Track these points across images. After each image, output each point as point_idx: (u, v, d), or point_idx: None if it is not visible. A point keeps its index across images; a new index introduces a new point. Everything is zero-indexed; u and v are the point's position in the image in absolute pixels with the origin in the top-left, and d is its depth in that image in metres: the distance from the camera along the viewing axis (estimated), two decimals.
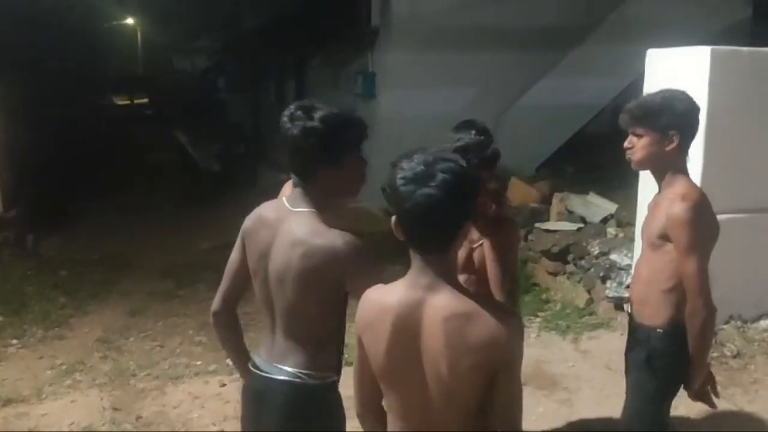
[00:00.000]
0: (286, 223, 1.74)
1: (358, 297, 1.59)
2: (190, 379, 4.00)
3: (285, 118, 1.73)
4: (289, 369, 1.76)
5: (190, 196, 9.33)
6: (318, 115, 1.70)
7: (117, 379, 3.99)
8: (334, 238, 1.68)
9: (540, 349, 4.29)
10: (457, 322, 1.37)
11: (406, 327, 1.41)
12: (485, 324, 1.37)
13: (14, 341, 4.59)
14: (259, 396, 1.82)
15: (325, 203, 1.76)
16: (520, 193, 6.79)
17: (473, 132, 2.70)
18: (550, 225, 5.69)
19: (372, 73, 8.06)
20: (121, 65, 29.04)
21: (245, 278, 1.88)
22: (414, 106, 7.37)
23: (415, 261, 1.42)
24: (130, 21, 28.86)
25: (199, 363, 4.20)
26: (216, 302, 1.94)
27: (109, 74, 25.31)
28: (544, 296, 5.25)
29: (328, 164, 1.72)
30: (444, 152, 1.43)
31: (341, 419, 1.84)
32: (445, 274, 1.42)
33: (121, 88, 28.17)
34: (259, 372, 1.83)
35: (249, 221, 1.86)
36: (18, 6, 8.11)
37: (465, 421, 1.45)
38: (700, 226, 2.04)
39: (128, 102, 28.11)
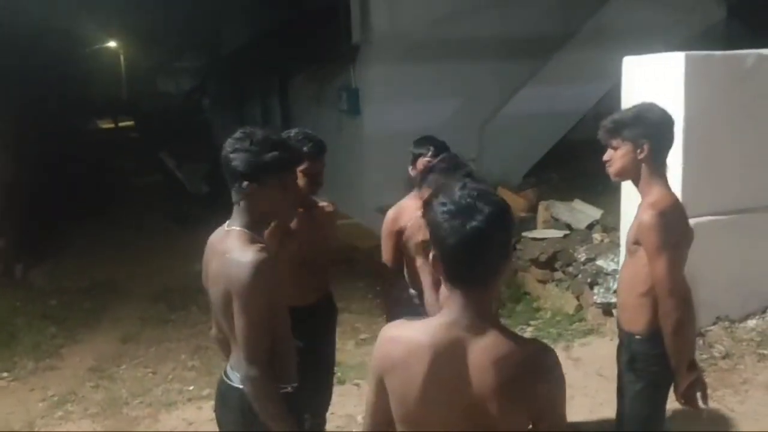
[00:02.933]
0: (220, 243, 1.89)
1: (238, 313, 1.74)
2: (183, 405, 3.98)
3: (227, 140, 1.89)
4: (238, 376, 1.91)
5: (179, 219, 9.29)
6: (249, 135, 1.86)
7: (109, 409, 3.97)
8: (242, 253, 1.79)
9: None
10: (505, 364, 1.32)
11: (448, 368, 1.33)
12: (532, 363, 1.35)
13: (5, 374, 4.55)
14: (219, 398, 2.03)
15: (254, 222, 1.88)
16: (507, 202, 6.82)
17: (432, 148, 2.76)
18: (537, 233, 5.73)
19: (355, 89, 8.10)
20: (105, 89, 28.95)
21: None
22: (398, 120, 7.41)
23: (455, 299, 1.36)
24: (112, 44, 28.85)
25: (192, 388, 4.18)
26: (213, 327, 2.10)
27: (93, 98, 25.28)
28: (534, 305, 5.28)
29: (250, 182, 1.84)
30: (481, 185, 1.38)
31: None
32: (487, 312, 1.37)
33: (106, 111, 28.10)
34: (223, 376, 2.00)
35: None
36: None
37: None
38: (667, 230, 2.09)
39: (113, 126, 28.02)
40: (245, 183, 1.84)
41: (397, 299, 2.77)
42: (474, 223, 1.28)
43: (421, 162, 2.72)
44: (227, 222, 1.93)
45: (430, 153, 2.71)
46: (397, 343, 1.39)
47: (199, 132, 17.88)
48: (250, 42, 13.29)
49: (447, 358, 1.33)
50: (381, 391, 1.42)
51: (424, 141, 2.76)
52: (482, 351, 1.33)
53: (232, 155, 1.85)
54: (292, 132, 2.71)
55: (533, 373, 1.34)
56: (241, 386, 1.90)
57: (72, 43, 15.60)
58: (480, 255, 1.31)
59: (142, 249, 7.90)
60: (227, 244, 1.84)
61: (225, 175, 1.89)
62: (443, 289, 2.14)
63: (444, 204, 1.32)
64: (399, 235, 2.73)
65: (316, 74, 9.79)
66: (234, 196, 1.89)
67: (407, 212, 2.71)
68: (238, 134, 1.88)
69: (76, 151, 14.47)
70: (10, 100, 8.43)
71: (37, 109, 10.58)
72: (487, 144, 7.51)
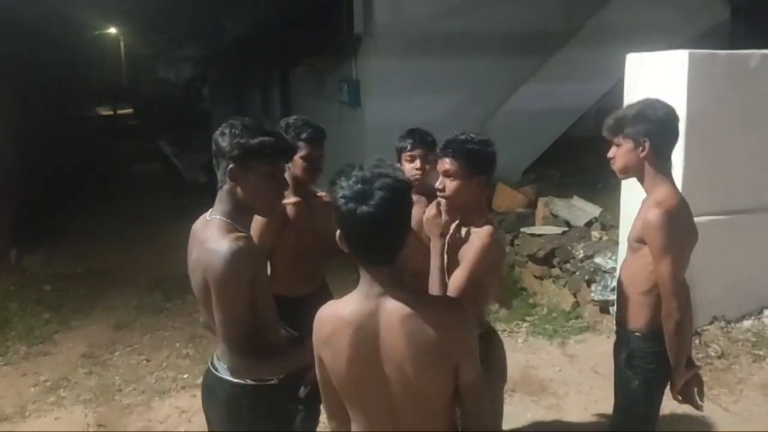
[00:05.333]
0: (201, 231, 1.83)
1: (215, 305, 1.70)
2: (177, 392, 3.96)
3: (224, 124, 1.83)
4: (224, 367, 1.87)
5: (177, 208, 9.26)
6: (241, 120, 1.81)
7: (102, 395, 3.95)
8: (217, 243, 1.73)
9: (528, 354, 4.30)
10: (413, 321, 1.41)
11: (365, 337, 1.43)
12: (439, 317, 1.43)
13: None
14: (205, 388, 2.02)
15: (235, 211, 1.81)
16: (506, 198, 6.81)
17: (410, 141, 2.73)
18: (536, 229, 5.72)
19: (356, 81, 8.06)
20: (105, 76, 28.84)
21: None
22: (399, 113, 7.35)
23: (364, 273, 1.45)
24: (112, 30, 28.70)
25: (186, 376, 4.16)
26: (202, 314, 2.01)
27: (92, 85, 25.17)
28: (531, 300, 5.27)
29: (234, 164, 1.78)
30: (381, 166, 1.44)
31: (278, 420, 1.92)
32: (396, 281, 1.45)
33: (105, 98, 27.98)
34: (210, 365, 1.97)
35: None
36: None
37: (434, 424, 1.48)
38: (674, 231, 2.08)
39: (112, 113, 27.91)
40: (230, 165, 1.77)
41: None
42: (365, 208, 1.35)
43: (404, 157, 2.70)
44: (210, 210, 1.88)
45: (408, 147, 2.69)
46: (326, 322, 1.50)
47: (198, 121, 17.84)
48: (252, 32, 13.22)
49: (363, 327, 1.43)
50: (322, 366, 1.53)
51: (406, 134, 2.74)
52: (391, 314, 1.42)
53: (220, 136, 1.80)
54: (291, 119, 2.69)
55: (441, 325, 1.42)
56: (226, 376, 1.88)
57: (71, 28, 15.50)
58: (376, 236, 1.39)
59: (139, 237, 7.87)
60: (206, 233, 1.79)
61: (213, 158, 1.84)
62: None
63: (341, 188, 1.39)
64: None
65: (317, 65, 9.74)
66: (219, 181, 1.84)
67: None
68: (232, 121, 1.84)
69: (74, 138, 14.41)
70: (8, 86, 8.38)
71: (35, 96, 10.51)
72: None
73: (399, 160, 2.74)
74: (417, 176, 2.66)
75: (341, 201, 1.38)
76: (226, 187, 1.81)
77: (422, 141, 2.69)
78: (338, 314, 1.47)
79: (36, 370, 4.34)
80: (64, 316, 5.32)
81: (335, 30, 8.30)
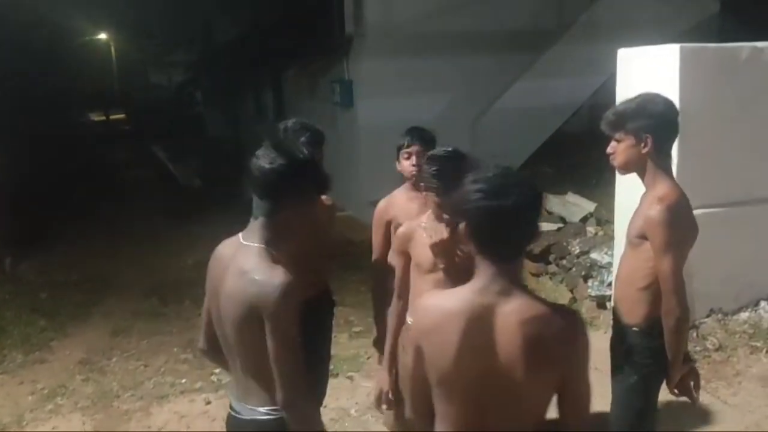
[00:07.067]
0: (236, 258, 1.74)
1: (272, 340, 1.63)
2: (175, 398, 3.95)
3: (268, 150, 1.73)
4: (252, 407, 1.77)
5: (171, 213, 9.24)
6: (289, 152, 1.74)
7: (100, 402, 3.93)
8: (267, 275, 1.66)
9: None
10: (532, 326, 1.41)
11: (479, 331, 1.42)
12: (558, 326, 1.44)
13: None
14: None
15: (279, 240, 1.75)
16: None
17: (408, 138, 2.74)
18: None
19: (349, 81, 8.06)
20: (96, 81, 28.72)
21: None
22: (392, 113, 7.36)
23: (485, 268, 1.46)
24: (103, 36, 28.63)
25: (184, 381, 4.15)
26: (201, 340, 1.97)
27: (84, 91, 25.07)
28: None
29: (296, 201, 1.74)
30: (511, 170, 1.50)
31: None
32: (516, 281, 1.47)
33: (97, 104, 27.88)
34: (231, 411, 1.85)
35: (212, 255, 1.87)
36: None
37: (530, 426, 1.48)
38: (676, 227, 2.07)
39: (104, 118, 27.82)
40: (281, 201, 1.72)
41: (388, 288, 2.78)
42: (506, 203, 1.39)
43: (402, 154, 2.71)
44: (241, 235, 1.79)
45: (406, 143, 2.69)
46: (433, 310, 1.50)
47: (192, 126, 17.79)
48: (244, 34, 13.19)
49: (478, 322, 1.42)
50: (419, 356, 1.52)
51: (405, 132, 2.75)
52: (510, 314, 1.42)
53: (270, 168, 1.70)
54: (290, 122, 2.68)
55: (559, 336, 1.43)
56: (259, 416, 1.76)
57: (62, 35, 15.45)
58: (510, 232, 1.43)
59: (134, 242, 7.84)
60: (248, 262, 1.70)
61: (254, 186, 1.76)
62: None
63: (478, 184, 1.43)
64: (389, 225, 2.73)
65: (309, 67, 9.74)
66: (260, 211, 1.77)
67: (397, 204, 2.73)
68: (273, 148, 1.75)
69: (67, 145, 14.36)
70: None
71: (26, 102, 10.47)
72: (481, 137, 7.48)
73: (397, 158, 2.74)
74: (414, 172, 2.66)
75: (478, 195, 1.41)
76: (269, 220, 1.75)
77: (420, 137, 2.69)
78: (446, 305, 1.48)
79: (33, 378, 4.32)
80: (60, 323, 5.30)
81: (327, 31, 8.29)
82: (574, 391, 1.48)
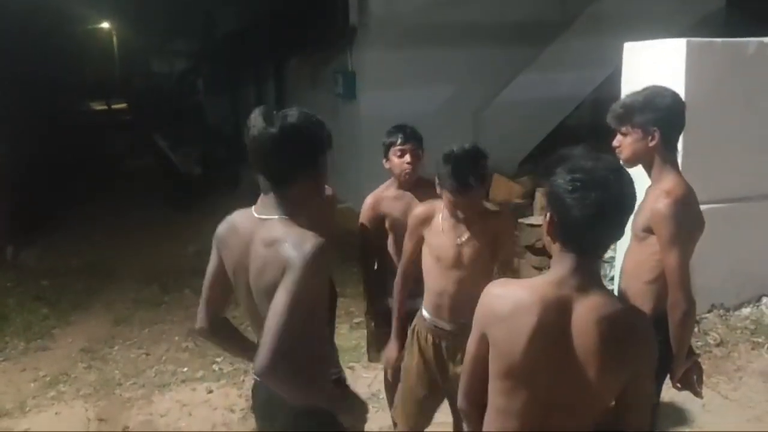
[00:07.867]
0: (258, 231, 1.68)
1: (282, 291, 1.54)
2: (177, 386, 3.96)
3: (257, 122, 1.67)
4: None
5: (172, 201, 9.24)
6: (295, 117, 1.67)
7: (102, 390, 3.95)
8: (300, 238, 1.60)
9: None
10: (609, 324, 1.38)
11: (554, 325, 1.38)
12: (633, 325, 1.42)
13: None
14: (265, 406, 1.82)
15: (295, 209, 1.70)
16: (503, 189, 6.81)
17: (401, 136, 2.76)
18: (533, 220, 5.72)
19: (352, 73, 8.03)
20: (98, 70, 28.63)
21: (227, 287, 1.83)
22: (395, 104, 7.35)
23: (566, 261, 1.41)
24: (105, 24, 28.50)
25: (185, 370, 4.16)
26: (200, 319, 1.86)
27: (85, 79, 24.98)
28: None
29: (308, 169, 1.70)
30: (594, 155, 1.43)
31: (354, 413, 1.82)
32: (596, 276, 1.44)
33: (98, 93, 27.79)
34: (256, 380, 1.79)
35: (222, 230, 1.79)
36: None
37: (593, 421, 1.46)
38: (683, 221, 2.07)
39: (105, 107, 27.75)
40: (301, 170, 1.68)
41: (376, 279, 2.86)
42: (606, 195, 1.34)
43: (393, 152, 2.70)
44: (254, 209, 1.72)
45: (399, 141, 2.69)
46: (504, 299, 1.45)
47: (193, 114, 17.74)
48: (246, 24, 13.14)
49: (554, 313, 1.39)
50: (484, 343, 1.47)
51: (394, 130, 2.75)
52: (587, 310, 1.39)
53: (280, 139, 1.63)
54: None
55: (633, 336, 1.41)
56: None
57: (63, 22, 15.38)
58: (602, 227, 1.38)
59: (136, 231, 7.84)
60: (276, 232, 1.62)
61: (262, 163, 1.68)
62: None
63: (574, 173, 1.36)
64: (377, 221, 2.80)
65: (312, 57, 9.70)
66: (275, 186, 1.70)
67: (386, 200, 2.78)
68: (291, 116, 1.68)
69: (69, 132, 14.32)
70: None
71: (27, 90, 10.43)
72: (484, 130, 7.46)
73: (386, 156, 2.74)
74: (408, 170, 2.67)
75: (573, 186, 1.35)
76: (287, 193, 1.69)
77: (413, 135, 2.70)
78: (521, 295, 1.42)
79: (35, 365, 4.33)
80: (62, 311, 5.31)
81: (330, 21, 8.25)
82: (639, 392, 1.46)
